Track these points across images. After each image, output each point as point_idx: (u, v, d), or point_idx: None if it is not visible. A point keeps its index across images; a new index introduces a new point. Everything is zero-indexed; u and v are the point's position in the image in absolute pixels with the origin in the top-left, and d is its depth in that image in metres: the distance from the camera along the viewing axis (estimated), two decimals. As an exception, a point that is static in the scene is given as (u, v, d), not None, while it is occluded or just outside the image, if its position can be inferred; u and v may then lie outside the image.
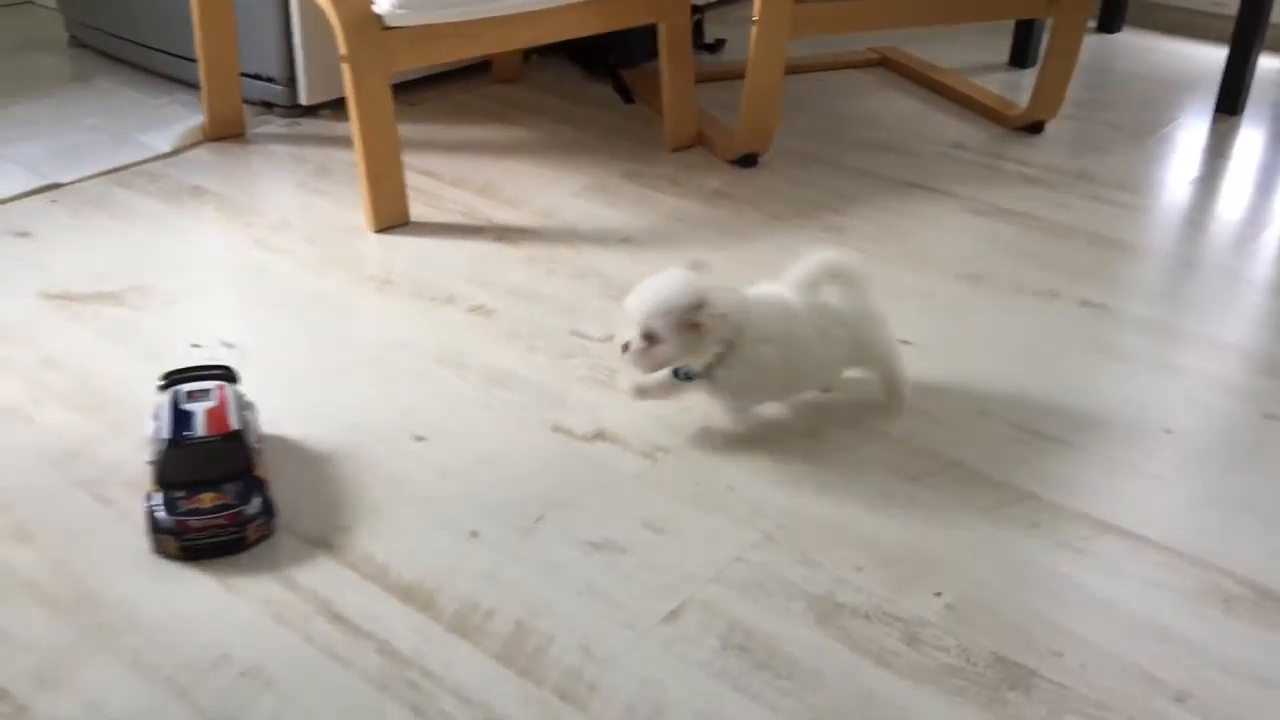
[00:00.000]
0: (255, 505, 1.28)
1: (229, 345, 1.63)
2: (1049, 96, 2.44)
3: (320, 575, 1.23)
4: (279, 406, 1.49)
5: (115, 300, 1.73)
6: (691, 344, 1.43)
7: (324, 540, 1.28)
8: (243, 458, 1.31)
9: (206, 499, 1.27)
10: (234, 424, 1.33)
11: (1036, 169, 2.31)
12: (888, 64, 2.86)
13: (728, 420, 1.50)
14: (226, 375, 1.42)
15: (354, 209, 2.02)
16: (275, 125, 2.38)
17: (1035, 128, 2.48)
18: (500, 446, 1.45)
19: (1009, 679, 1.14)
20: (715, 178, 2.23)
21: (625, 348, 1.44)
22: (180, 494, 1.27)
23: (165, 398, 1.36)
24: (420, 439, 1.46)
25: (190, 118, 2.35)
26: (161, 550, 1.25)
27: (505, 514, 1.33)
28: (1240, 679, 1.14)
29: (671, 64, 2.27)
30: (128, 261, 1.84)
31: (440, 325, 1.71)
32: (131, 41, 2.57)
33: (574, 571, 1.25)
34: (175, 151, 2.23)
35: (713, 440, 1.48)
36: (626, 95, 2.60)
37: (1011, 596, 1.24)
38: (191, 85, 2.43)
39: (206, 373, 1.41)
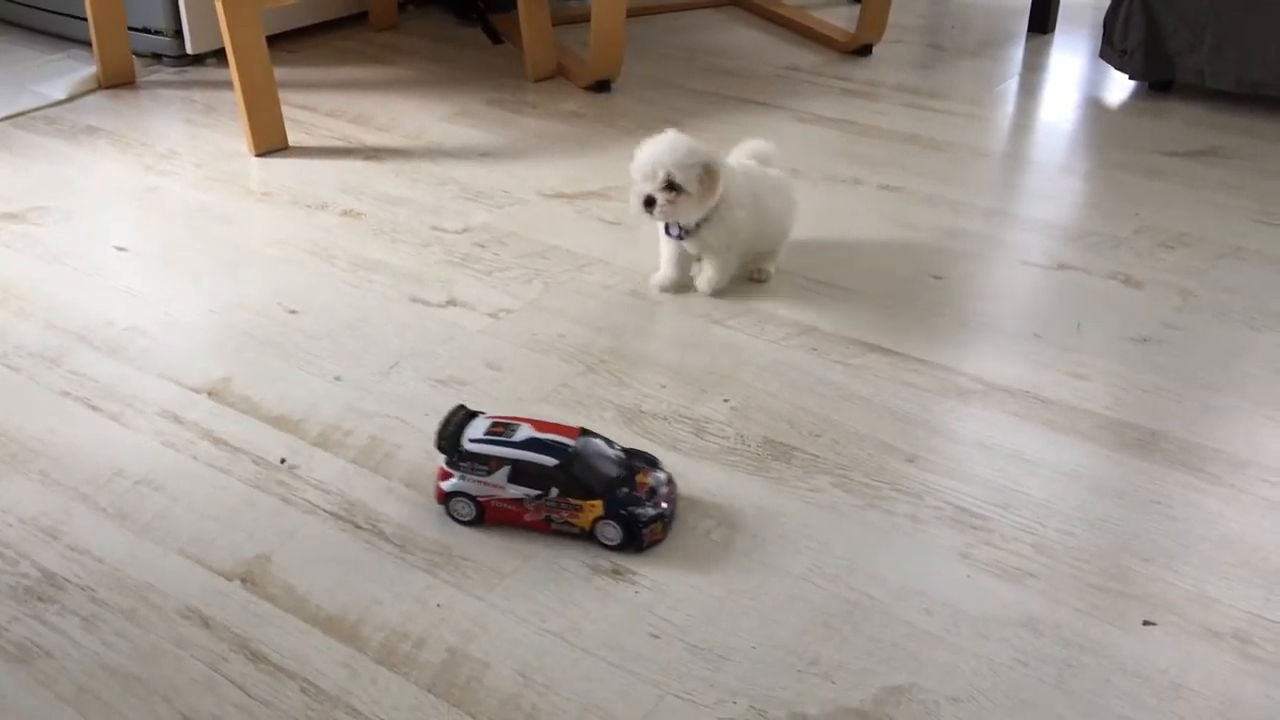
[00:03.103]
0: (662, 464, 1.31)
1: (120, 248, 1.83)
2: (873, 21, 2.71)
3: (202, 412, 1.45)
4: (167, 294, 1.71)
5: (16, 219, 1.92)
6: (704, 195, 1.61)
7: (206, 389, 1.50)
8: (608, 441, 1.30)
9: (645, 479, 1.26)
10: (571, 424, 1.30)
11: (860, 84, 2.57)
12: (738, 2, 3.11)
13: (713, 281, 1.70)
14: (471, 411, 1.32)
15: (238, 138, 2.22)
16: (165, 73, 2.56)
17: (864, 50, 2.75)
18: (363, 315, 1.67)
19: (774, 454, 1.39)
20: (572, 102, 2.46)
21: (649, 202, 1.60)
22: (624, 490, 1.24)
23: (496, 448, 1.25)
24: (292, 312, 1.67)
25: (84, 70, 2.52)
26: (652, 540, 1.23)
27: (365, 363, 1.56)
28: (963, 445, 1.41)
29: (527, 1, 2.49)
30: (27, 188, 2.03)
31: (314, 226, 1.92)
32: (23, 4, 2.73)
33: (422, 401, 1.48)
34: (70, 98, 2.41)
35: (550, 302, 1.71)
36: (495, 36, 2.82)
37: (786, 399, 1.49)
38: (84, 42, 2.60)
39: (463, 415, 1.30)
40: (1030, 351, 1.60)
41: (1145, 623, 1.15)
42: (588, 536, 1.25)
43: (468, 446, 1.27)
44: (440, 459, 1.28)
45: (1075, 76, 2.68)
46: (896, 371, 1.55)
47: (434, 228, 1.92)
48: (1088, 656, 1.12)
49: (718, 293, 1.71)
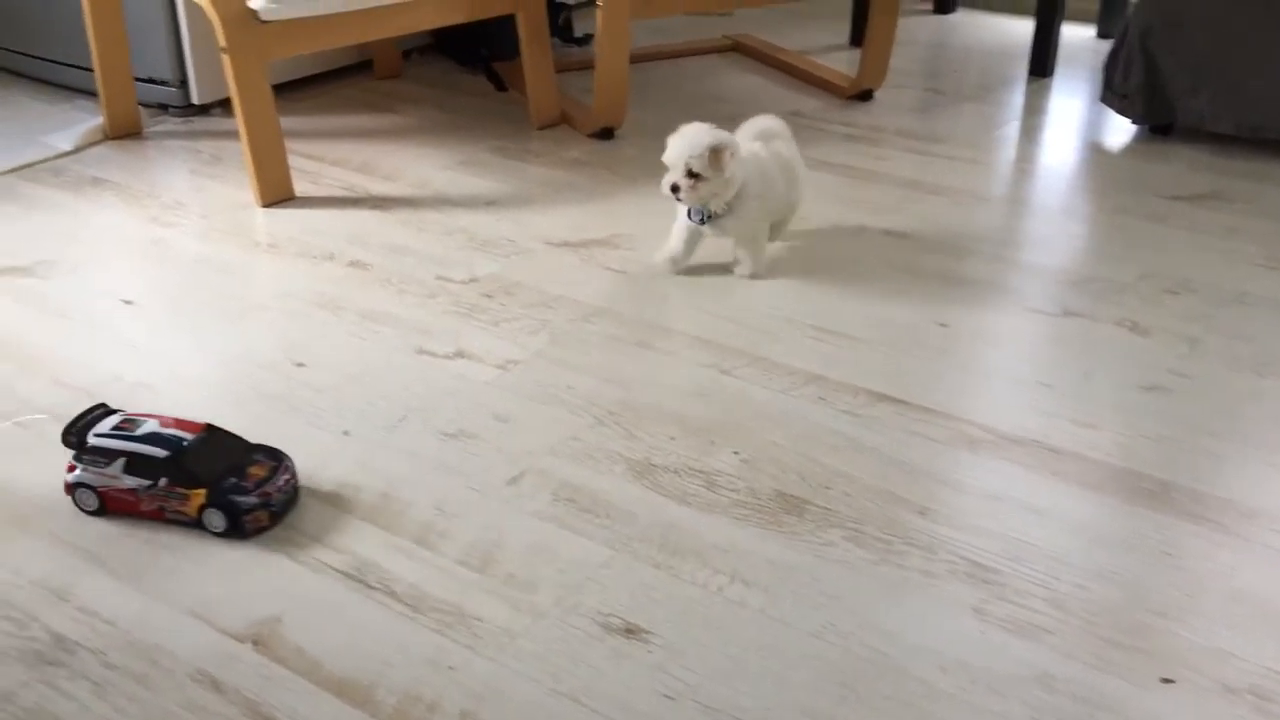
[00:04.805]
0: (288, 461, 1.40)
1: (128, 302, 1.84)
2: (874, 67, 2.73)
3: (212, 469, 1.45)
4: (174, 348, 1.71)
5: (23, 272, 1.93)
6: (721, 180, 1.83)
7: (216, 444, 1.50)
8: (235, 437, 1.40)
9: (258, 471, 1.35)
10: (200, 421, 1.39)
11: (862, 129, 2.59)
12: (740, 48, 3.14)
13: (750, 268, 1.92)
14: (110, 409, 1.41)
15: (244, 189, 2.23)
16: (171, 124, 2.58)
17: (865, 95, 2.77)
18: (370, 368, 1.67)
19: (786, 507, 1.39)
20: (576, 149, 2.48)
21: (675, 189, 1.84)
22: (232, 480, 1.33)
23: (114, 441, 1.34)
24: (300, 365, 1.67)
25: (90, 121, 2.54)
26: (255, 527, 1.32)
27: (373, 417, 1.56)
28: (973, 496, 1.41)
29: (531, 49, 2.51)
30: (34, 241, 2.04)
31: (320, 278, 1.93)
32: (30, 55, 2.76)
33: (431, 454, 1.48)
34: (76, 150, 2.42)
35: (556, 353, 1.72)
36: (499, 84, 2.84)
37: (795, 451, 1.49)
38: (91, 93, 2.62)
39: (98, 413, 1.40)
40: (1038, 400, 1.60)
41: (1163, 680, 1.15)
42: (198, 525, 1.33)
43: (91, 440, 1.36)
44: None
45: (1075, 120, 2.70)
46: (905, 421, 1.55)
47: (440, 278, 1.93)
48: (1103, 714, 1.11)
49: (757, 276, 1.92)
